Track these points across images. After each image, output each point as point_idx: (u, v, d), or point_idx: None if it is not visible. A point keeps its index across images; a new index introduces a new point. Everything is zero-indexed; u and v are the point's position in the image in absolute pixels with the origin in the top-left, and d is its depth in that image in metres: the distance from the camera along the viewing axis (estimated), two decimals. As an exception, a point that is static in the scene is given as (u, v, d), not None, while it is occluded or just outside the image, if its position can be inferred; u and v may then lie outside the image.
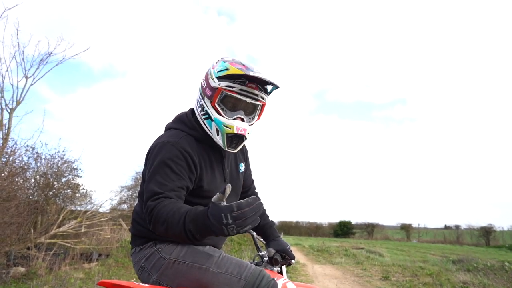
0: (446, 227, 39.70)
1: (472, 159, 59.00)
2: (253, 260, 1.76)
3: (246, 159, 1.77)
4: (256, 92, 1.44)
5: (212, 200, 1.04)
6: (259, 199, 0.98)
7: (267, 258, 1.65)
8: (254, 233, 1.86)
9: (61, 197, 8.25)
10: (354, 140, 59.23)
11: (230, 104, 1.44)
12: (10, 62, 7.38)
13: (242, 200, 1.00)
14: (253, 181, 1.88)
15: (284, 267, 1.71)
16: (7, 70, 7.28)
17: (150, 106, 35.72)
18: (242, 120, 1.45)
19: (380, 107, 60.29)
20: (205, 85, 1.48)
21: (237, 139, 1.44)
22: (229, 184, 1.03)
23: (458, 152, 59.09)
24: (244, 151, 1.76)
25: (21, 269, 5.75)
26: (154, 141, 1.46)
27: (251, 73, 1.37)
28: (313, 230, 37.46)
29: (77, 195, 8.71)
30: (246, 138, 1.47)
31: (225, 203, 1.02)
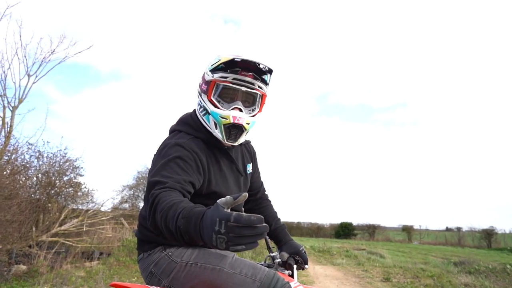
0: (448, 229, 39.55)
1: (474, 161, 58.86)
2: (265, 261, 1.72)
3: (253, 160, 1.71)
4: (250, 80, 1.39)
5: (218, 200, 0.85)
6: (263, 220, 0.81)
7: (279, 260, 1.62)
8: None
9: (63, 196, 8.26)
10: (356, 142, 59.17)
11: (227, 96, 1.40)
12: (12, 60, 7.38)
13: (244, 214, 0.80)
14: (262, 183, 1.82)
15: (295, 270, 1.66)
16: (9, 68, 7.27)
17: (153, 108, 35.88)
18: (240, 110, 1.40)
19: (382, 110, 60.26)
20: (201, 82, 1.47)
21: (235, 130, 1.39)
22: (246, 194, 0.86)
23: (460, 155, 58.97)
24: (251, 152, 1.71)
25: (23, 267, 5.76)
26: (161, 144, 1.41)
27: (239, 57, 1.33)
28: (314, 231, 37.39)
29: (79, 193, 8.72)
30: (245, 129, 1.41)
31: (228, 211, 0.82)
